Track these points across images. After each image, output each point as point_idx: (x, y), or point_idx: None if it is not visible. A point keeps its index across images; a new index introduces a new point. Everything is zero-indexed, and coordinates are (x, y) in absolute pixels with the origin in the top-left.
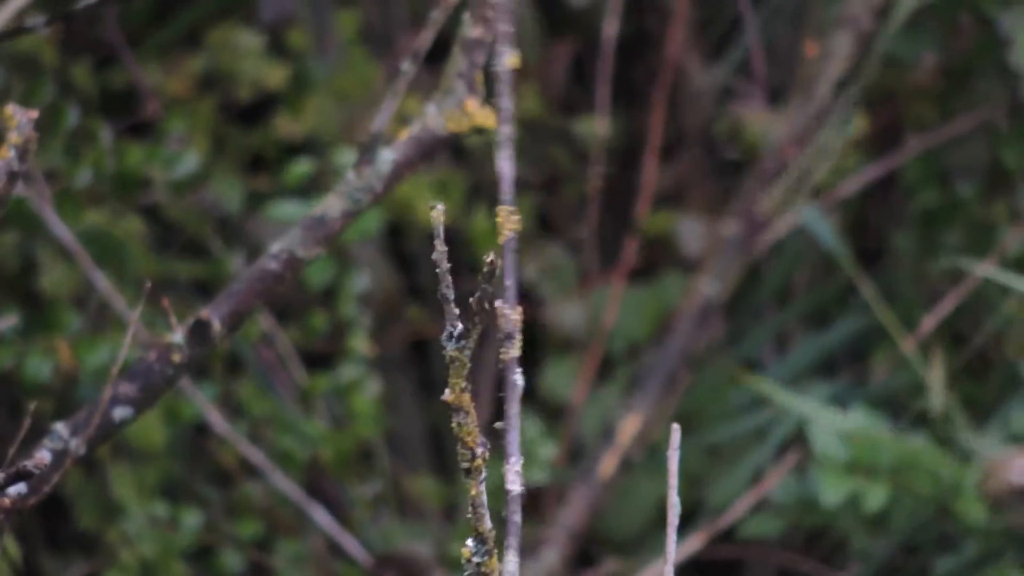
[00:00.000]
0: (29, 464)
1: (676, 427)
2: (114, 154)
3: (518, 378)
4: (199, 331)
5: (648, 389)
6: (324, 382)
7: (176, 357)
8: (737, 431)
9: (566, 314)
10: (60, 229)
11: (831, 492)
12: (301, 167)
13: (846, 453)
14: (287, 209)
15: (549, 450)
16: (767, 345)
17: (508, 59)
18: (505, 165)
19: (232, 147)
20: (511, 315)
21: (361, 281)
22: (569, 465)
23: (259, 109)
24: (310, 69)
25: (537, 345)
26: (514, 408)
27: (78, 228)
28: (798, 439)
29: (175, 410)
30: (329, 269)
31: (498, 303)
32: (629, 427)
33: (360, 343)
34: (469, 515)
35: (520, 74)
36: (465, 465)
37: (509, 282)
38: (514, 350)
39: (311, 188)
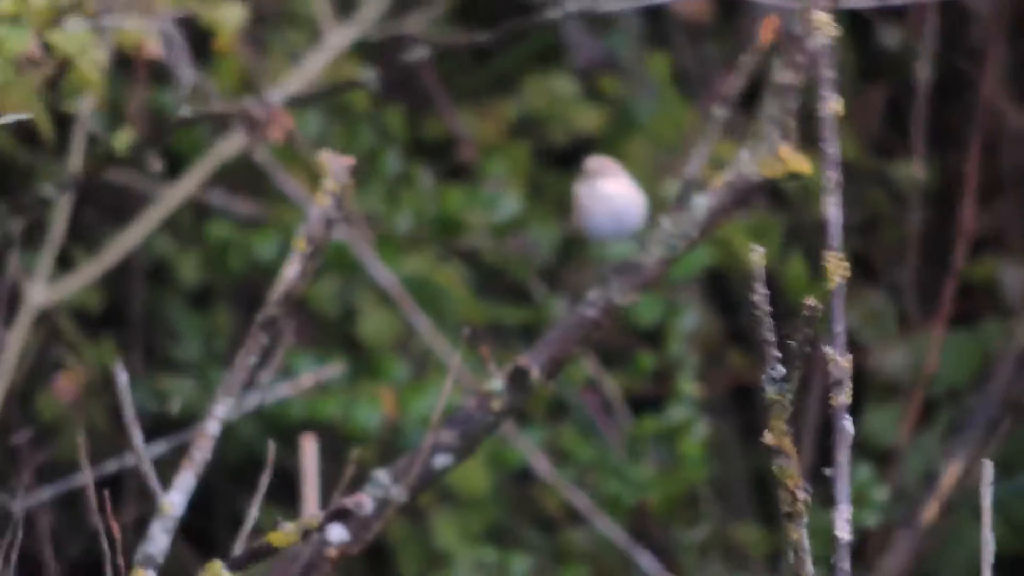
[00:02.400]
0: (349, 503)
1: (988, 464)
2: (434, 199)
3: (848, 424)
4: (518, 378)
5: (969, 435)
6: (652, 425)
7: (496, 404)
8: None
9: (888, 359)
10: (382, 274)
11: None
12: None
13: None
14: (618, 248)
15: (881, 494)
16: None
17: (831, 104)
18: (832, 211)
19: (548, 191)
20: (841, 362)
21: (689, 321)
22: (893, 510)
23: (573, 153)
24: (627, 112)
25: (859, 390)
26: (843, 454)
27: (400, 273)
28: None
29: (499, 456)
30: (658, 309)
31: (827, 349)
32: (951, 474)
33: (688, 385)
34: (791, 561)
35: (835, 117)
36: (786, 509)
37: (838, 328)
38: (844, 396)
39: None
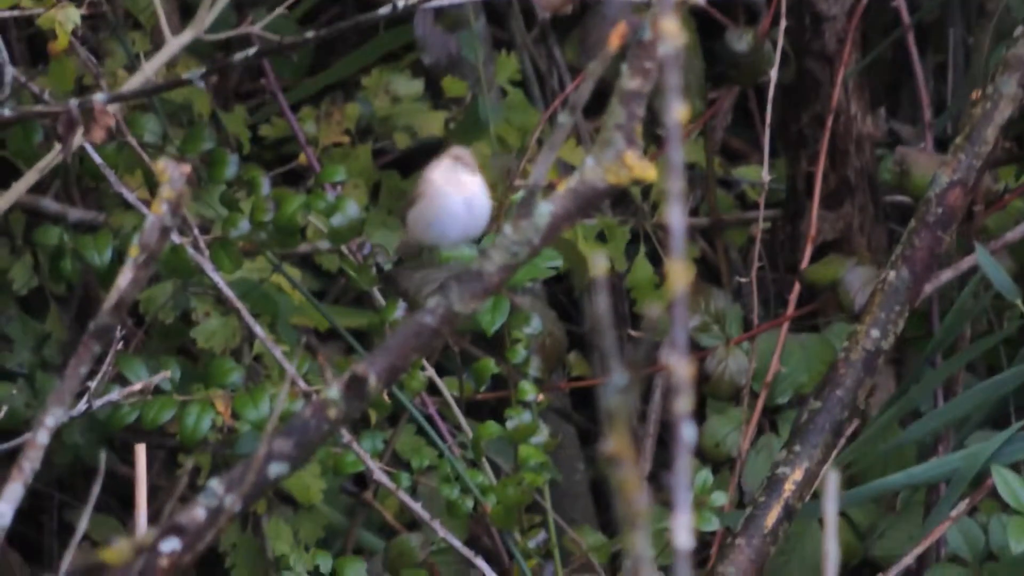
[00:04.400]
0: (182, 520)
1: (833, 474)
2: (272, 204)
3: (689, 431)
4: (355, 386)
5: (813, 440)
6: (493, 429)
7: (332, 412)
8: (906, 480)
9: (730, 363)
10: (217, 279)
11: (1020, 540)
12: None
13: None
14: (459, 252)
15: (719, 499)
16: (936, 393)
17: (677, 111)
18: (676, 219)
19: (388, 194)
20: (682, 369)
21: (531, 326)
22: (734, 515)
23: (415, 156)
24: (472, 115)
25: (701, 394)
26: (683, 463)
27: (236, 279)
28: (973, 487)
29: (335, 462)
30: (499, 314)
31: (667, 355)
32: (794, 478)
33: (529, 390)
34: (630, 568)
35: (681, 124)
36: (626, 517)
37: (680, 335)
38: (684, 404)
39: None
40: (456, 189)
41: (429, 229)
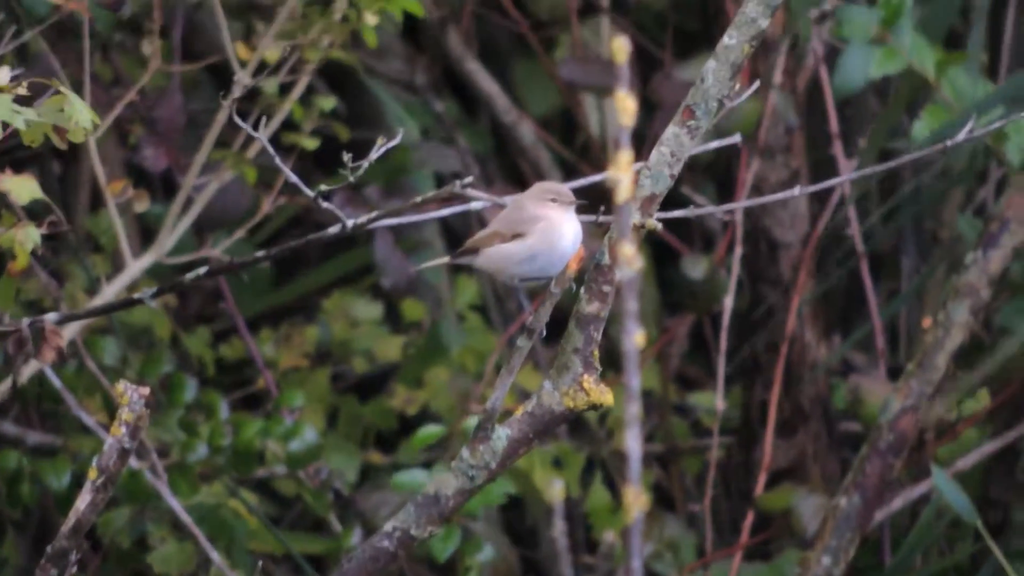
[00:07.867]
0: None
1: None
2: (230, 428)
3: None
4: None
5: None
6: None
7: None
8: None
9: None
10: (174, 504)
11: None
12: (430, 432)
13: None
14: (412, 478)
15: None
16: None
17: (635, 337)
18: (632, 444)
19: (346, 419)
20: None
21: (485, 553)
22: None
23: (372, 381)
24: (431, 339)
25: None
26: None
27: (192, 503)
28: None
29: None
30: (453, 542)
31: None
32: None
33: None
34: None
35: (638, 350)
36: None
37: (636, 563)
38: None
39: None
40: (565, 228)
41: (532, 263)
